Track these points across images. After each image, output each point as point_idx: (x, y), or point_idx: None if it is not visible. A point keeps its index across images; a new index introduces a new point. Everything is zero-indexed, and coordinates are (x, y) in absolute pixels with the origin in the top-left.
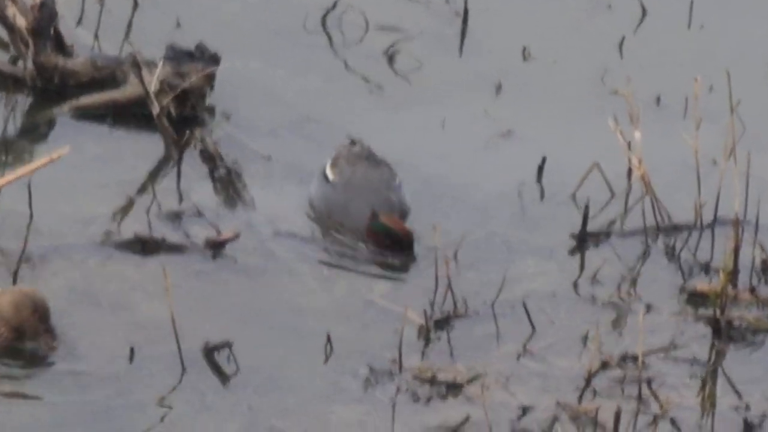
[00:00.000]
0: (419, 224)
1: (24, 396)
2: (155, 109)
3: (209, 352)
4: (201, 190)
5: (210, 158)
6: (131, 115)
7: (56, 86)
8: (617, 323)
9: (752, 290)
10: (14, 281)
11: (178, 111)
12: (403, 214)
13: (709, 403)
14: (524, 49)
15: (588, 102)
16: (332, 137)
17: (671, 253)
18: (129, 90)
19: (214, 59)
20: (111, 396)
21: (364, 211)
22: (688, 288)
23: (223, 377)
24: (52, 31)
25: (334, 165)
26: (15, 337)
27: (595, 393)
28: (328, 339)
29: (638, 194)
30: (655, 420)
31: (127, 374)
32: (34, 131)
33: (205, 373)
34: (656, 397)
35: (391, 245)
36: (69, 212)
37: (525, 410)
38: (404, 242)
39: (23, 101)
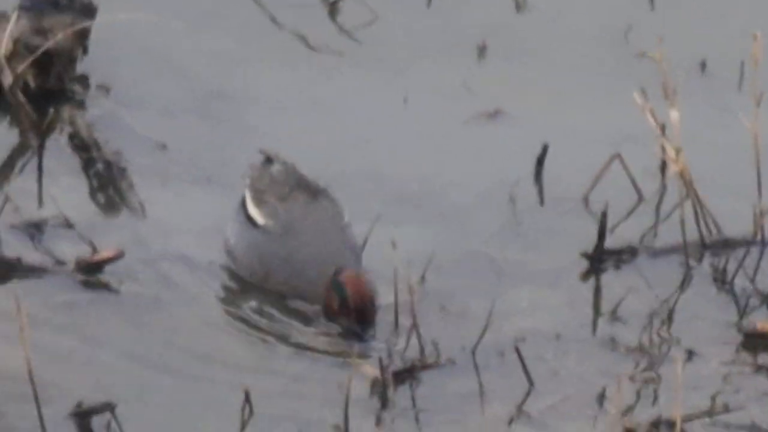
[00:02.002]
0: (375, 240)
1: None
2: (6, 79)
3: (83, 417)
4: (70, 191)
5: (83, 147)
6: None
7: None
8: (646, 377)
9: None
10: None
11: (39, 82)
12: (357, 261)
13: None
14: None
15: (605, 69)
16: (249, 120)
17: (721, 279)
18: None
19: (88, 10)
20: None
21: (318, 268)
22: (744, 327)
23: None
24: None
25: (258, 201)
26: None
27: None
28: (247, 397)
29: (675, 197)
30: None
31: None
32: None
33: None
34: None
35: (342, 314)
36: None
37: None
38: (359, 315)
39: None
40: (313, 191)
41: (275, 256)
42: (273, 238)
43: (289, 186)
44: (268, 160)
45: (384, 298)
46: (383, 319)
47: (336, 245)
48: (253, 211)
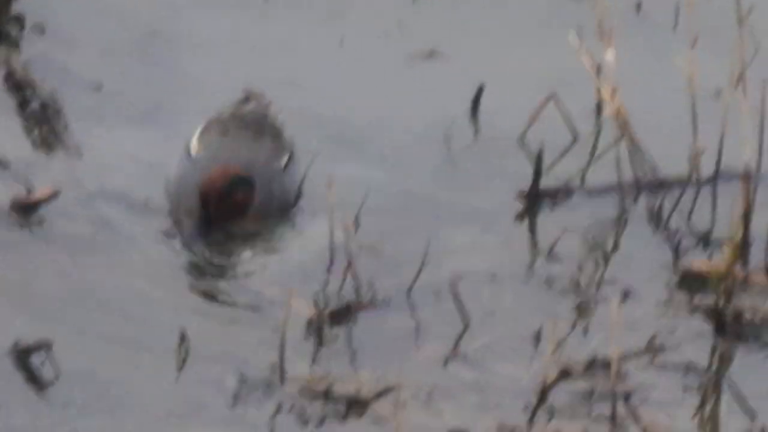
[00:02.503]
0: (311, 180)
1: None
2: None
3: (19, 355)
4: (5, 132)
5: (18, 87)
6: None
7: None
8: (582, 316)
9: None
10: None
11: None
12: (281, 205)
13: (709, 427)
14: None
15: (541, 10)
16: (185, 61)
17: (656, 219)
18: None
19: None
20: None
21: None
22: (680, 267)
23: (39, 389)
24: None
25: (203, 133)
26: None
27: (551, 413)
28: (182, 338)
29: (611, 137)
30: None
31: None
32: None
33: (12, 383)
34: (636, 419)
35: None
36: None
37: None
38: (201, 201)
39: None
40: (262, 130)
41: (190, 184)
42: (196, 167)
43: (242, 122)
44: (246, 99)
45: (321, 237)
46: (319, 257)
47: (258, 178)
48: (193, 142)
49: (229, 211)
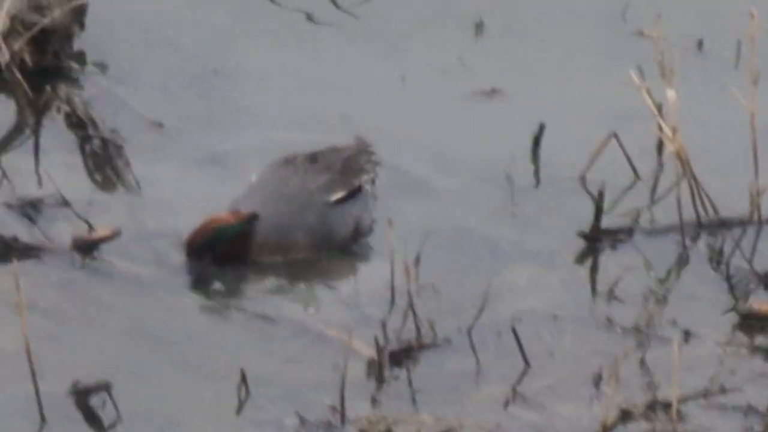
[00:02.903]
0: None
1: None
2: (3, 57)
3: (79, 396)
4: (67, 170)
5: (79, 125)
6: None
7: None
8: (643, 357)
9: None
10: None
11: (35, 59)
12: (325, 238)
13: None
14: None
15: (602, 48)
16: (247, 97)
17: (717, 259)
18: None
19: None
20: None
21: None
22: (741, 308)
23: (99, 430)
24: None
25: (275, 162)
26: None
27: None
28: (243, 378)
29: (672, 177)
30: None
31: None
32: None
33: (73, 424)
34: None
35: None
36: None
37: None
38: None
39: None
40: (328, 166)
41: (238, 204)
42: (243, 192)
43: (317, 157)
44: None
45: (382, 277)
46: (379, 297)
47: (284, 210)
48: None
49: (221, 258)
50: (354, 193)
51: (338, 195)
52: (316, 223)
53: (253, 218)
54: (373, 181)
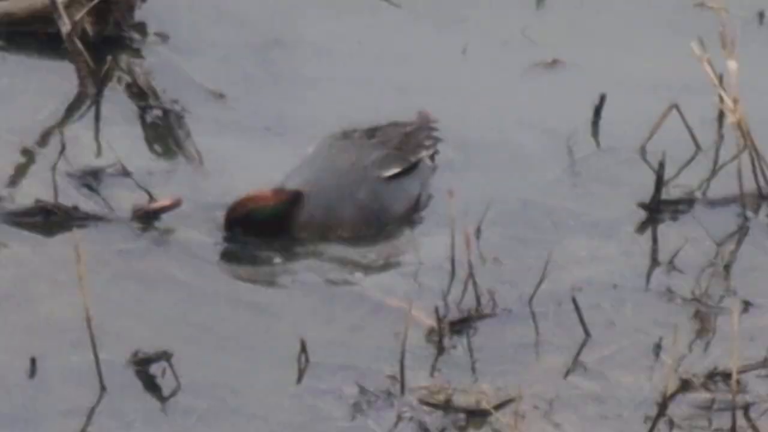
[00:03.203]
0: (432, 190)
1: None
2: (64, 27)
3: (139, 365)
4: (127, 140)
5: (140, 95)
6: (31, 34)
7: None
8: (703, 327)
9: None
10: None
11: (97, 29)
12: (380, 213)
13: None
14: None
15: (663, 19)
16: (308, 69)
17: None
18: (29, 0)
19: None
20: (3, 422)
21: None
22: None
23: (159, 399)
24: None
25: (333, 135)
26: None
27: (671, 424)
28: (303, 347)
29: (733, 148)
30: None
31: (27, 392)
32: None
33: (133, 393)
34: (756, 430)
35: None
36: None
37: None
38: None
39: None
40: (385, 141)
41: (288, 179)
42: (296, 165)
43: (374, 132)
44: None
45: (442, 247)
46: (440, 267)
47: (332, 186)
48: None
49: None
50: (410, 170)
51: (392, 170)
52: (368, 200)
53: (295, 199)
54: (432, 157)
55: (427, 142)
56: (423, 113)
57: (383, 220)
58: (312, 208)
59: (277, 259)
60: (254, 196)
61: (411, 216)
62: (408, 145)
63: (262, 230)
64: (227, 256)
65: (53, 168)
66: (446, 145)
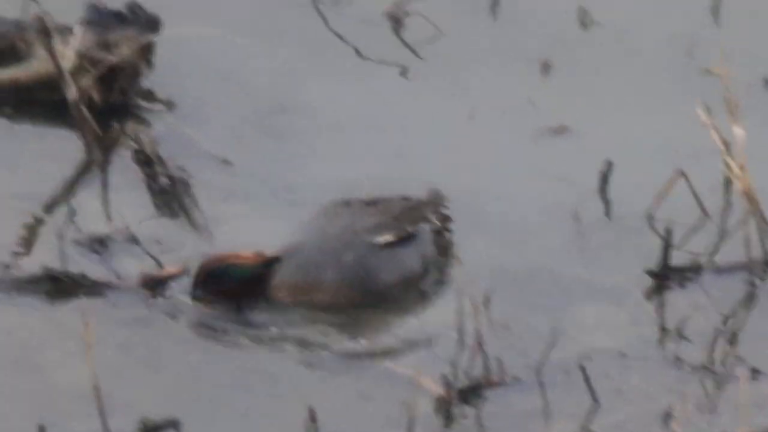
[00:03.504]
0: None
1: None
2: (71, 94)
3: None
4: (134, 207)
5: (147, 163)
6: (38, 101)
7: None
8: (711, 395)
9: None
10: None
11: (103, 97)
12: (359, 281)
13: None
14: (582, 12)
15: (669, 85)
16: (314, 136)
17: None
18: (35, 67)
19: (153, 24)
20: None
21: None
22: None
23: None
24: None
25: (336, 202)
26: None
27: None
28: (311, 415)
29: (740, 214)
30: None
31: None
32: None
33: None
34: None
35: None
36: None
37: None
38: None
39: None
40: (384, 210)
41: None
42: (295, 230)
43: (377, 201)
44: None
45: (450, 315)
46: (448, 335)
47: (315, 248)
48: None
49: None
50: (408, 240)
51: (385, 237)
52: (354, 264)
53: (272, 261)
54: (440, 232)
55: (432, 217)
56: (433, 190)
57: (370, 288)
58: (291, 269)
59: (283, 329)
60: (233, 255)
61: (412, 288)
62: (409, 216)
63: (238, 291)
64: (235, 325)
65: (60, 235)
66: (453, 210)
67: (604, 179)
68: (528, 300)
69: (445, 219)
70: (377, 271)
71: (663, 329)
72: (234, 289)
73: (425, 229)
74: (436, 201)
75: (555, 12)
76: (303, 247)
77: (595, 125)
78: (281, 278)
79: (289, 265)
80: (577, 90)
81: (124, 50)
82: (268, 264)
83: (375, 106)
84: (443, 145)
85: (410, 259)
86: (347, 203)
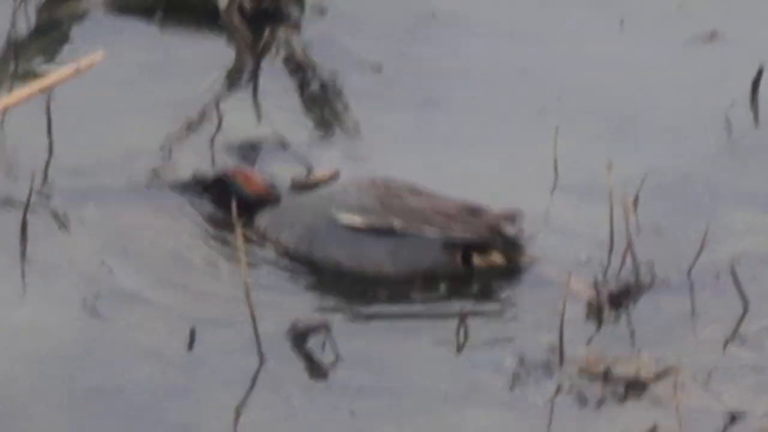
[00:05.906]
0: (590, 161)
1: None
2: (222, 1)
3: (298, 337)
4: (285, 113)
5: (298, 68)
6: (188, 8)
7: None
8: None
9: None
10: (23, 237)
11: (254, 3)
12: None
13: None
14: None
15: None
16: (465, 41)
17: None
18: None
19: None
20: (161, 392)
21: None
22: None
23: (317, 372)
24: None
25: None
26: None
27: None
28: (462, 320)
29: None
30: None
31: (185, 364)
32: (54, 30)
33: (291, 365)
34: None
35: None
36: (102, 143)
37: (734, 418)
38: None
39: None
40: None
41: None
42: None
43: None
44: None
45: (601, 219)
46: (598, 239)
47: (299, 208)
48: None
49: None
50: (384, 234)
51: (351, 219)
52: (307, 232)
53: (266, 199)
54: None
55: (459, 234)
56: (513, 212)
57: (314, 259)
58: (267, 216)
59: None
60: (248, 175)
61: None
62: (418, 216)
63: (227, 204)
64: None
65: (211, 141)
66: (604, 117)
67: (756, 85)
68: (678, 204)
69: (513, 243)
70: (325, 246)
71: None
72: (228, 204)
73: (431, 238)
74: (508, 217)
75: None
76: (290, 202)
77: (747, 31)
78: (258, 221)
79: (269, 212)
80: None
81: None
82: (262, 200)
83: (529, 13)
84: (595, 51)
85: (376, 253)
86: (387, 184)
